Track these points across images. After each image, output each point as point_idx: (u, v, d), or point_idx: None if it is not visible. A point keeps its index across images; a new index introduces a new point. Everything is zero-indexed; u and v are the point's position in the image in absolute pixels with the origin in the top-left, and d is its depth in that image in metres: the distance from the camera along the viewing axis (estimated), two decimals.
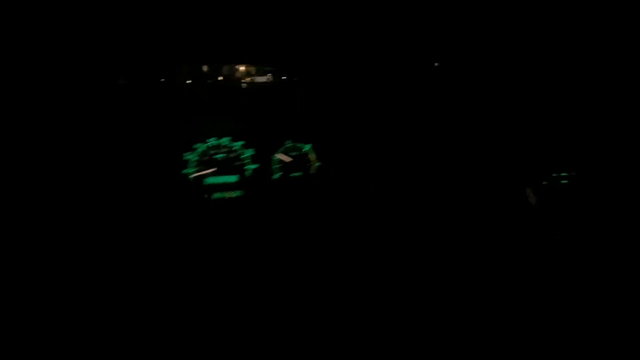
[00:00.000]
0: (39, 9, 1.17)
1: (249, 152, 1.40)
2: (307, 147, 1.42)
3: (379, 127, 1.45)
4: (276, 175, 1.40)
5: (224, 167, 1.38)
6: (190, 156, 1.37)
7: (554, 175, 1.36)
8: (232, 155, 1.39)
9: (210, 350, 1.02)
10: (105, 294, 1.08)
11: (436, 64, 1.49)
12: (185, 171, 1.36)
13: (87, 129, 1.29)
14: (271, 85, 1.45)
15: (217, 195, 1.36)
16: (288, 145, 1.42)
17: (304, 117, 1.45)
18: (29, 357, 0.98)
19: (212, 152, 1.38)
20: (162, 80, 1.36)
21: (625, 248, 1.23)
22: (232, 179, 1.38)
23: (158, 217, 1.27)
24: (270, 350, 1.02)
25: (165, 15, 1.28)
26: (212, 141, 1.38)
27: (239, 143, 1.40)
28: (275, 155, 1.41)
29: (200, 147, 1.38)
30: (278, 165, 1.40)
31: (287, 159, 1.40)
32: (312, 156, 1.42)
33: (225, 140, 1.39)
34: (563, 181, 1.36)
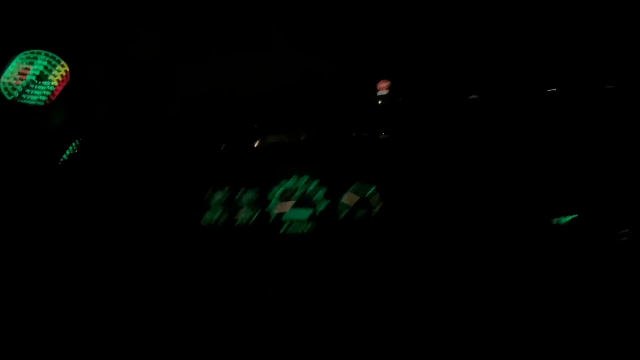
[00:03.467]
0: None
1: (321, 191, 1.60)
2: (371, 190, 1.55)
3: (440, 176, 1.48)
4: (342, 214, 1.56)
5: (299, 203, 1.62)
6: (276, 191, 1.65)
7: None
8: (307, 193, 1.62)
9: None
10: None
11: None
12: (270, 205, 1.64)
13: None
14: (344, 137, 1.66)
15: (292, 227, 1.60)
16: (355, 187, 1.57)
17: (369, 163, 1.59)
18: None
19: (292, 189, 1.64)
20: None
21: None
22: (306, 214, 1.60)
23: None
24: None
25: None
26: (293, 180, 1.64)
27: (314, 183, 1.62)
28: (344, 195, 1.57)
29: (284, 184, 1.65)
30: (345, 204, 1.57)
31: (352, 200, 1.55)
32: (376, 198, 1.54)
33: (303, 180, 1.63)
34: None
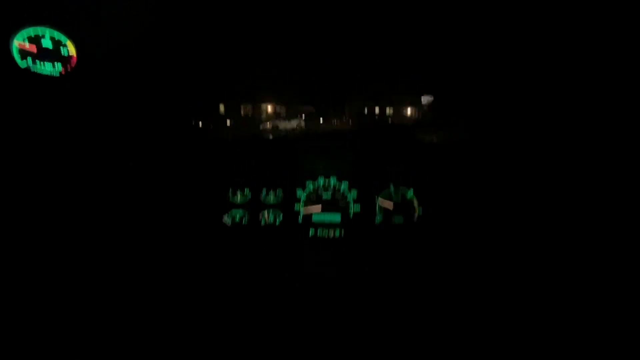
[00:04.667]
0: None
1: (352, 194, 1.47)
2: (409, 193, 1.43)
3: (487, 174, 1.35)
4: (378, 219, 1.45)
5: (328, 205, 1.50)
6: (301, 193, 1.52)
7: None
8: (337, 195, 1.49)
9: None
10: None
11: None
12: (297, 207, 1.52)
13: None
14: (378, 130, 1.47)
15: (321, 232, 1.50)
16: (391, 189, 1.44)
17: (408, 161, 1.44)
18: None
19: (319, 190, 1.51)
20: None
21: None
22: (336, 217, 1.49)
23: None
24: None
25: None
26: (320, 180, 1.50)
27: (344, 183, 1.48)
28: (378, 198, 1.45)
29: (310, 184, 1.51)
30: (380, 209, 1.45)
31: (389, 204, 1.43)
32: (415, 202, 1.42)
33: (332, 180, 1.49)
34: None
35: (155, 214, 1.53)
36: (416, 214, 1.42)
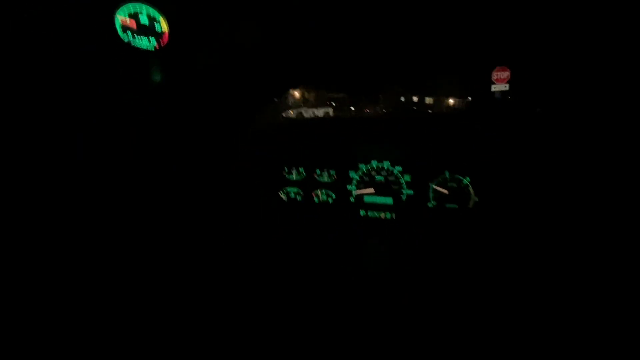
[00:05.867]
0: None
1: (406, 178, 1.49)
2: (465, 180, 1.41)
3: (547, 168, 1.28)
4: (431, 204, 1.47)
5: (381, 189, 1.53)
6: (354, 174, 1.56)
7: None
8: (390, 178, 1.52)
9: None
10: None
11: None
12: (349, 187, 1.57)
13: None
14: (434, 117, 1.43)
15: (372, 213, 1.55)
16: (446, 175, 1.43)
17: (465, 149, 1.40)
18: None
19: (372, 173, 1.54)
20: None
21: None
22: (388, 200, 1.53)
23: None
24: None
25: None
26: (373, 163, 1.53)
27: (398, 168, 1.50)
28: (432, 184, 1.45)
29: (363, 167, 1.54)
30: (434, 194, 1.46)
31: (443, 190, 1.43)
32: (470, 190, 1.41)
33: (385, 164, 1.51)
34: None
35: (219, 188, 1.66)
36: (471, 201, 1.41)
